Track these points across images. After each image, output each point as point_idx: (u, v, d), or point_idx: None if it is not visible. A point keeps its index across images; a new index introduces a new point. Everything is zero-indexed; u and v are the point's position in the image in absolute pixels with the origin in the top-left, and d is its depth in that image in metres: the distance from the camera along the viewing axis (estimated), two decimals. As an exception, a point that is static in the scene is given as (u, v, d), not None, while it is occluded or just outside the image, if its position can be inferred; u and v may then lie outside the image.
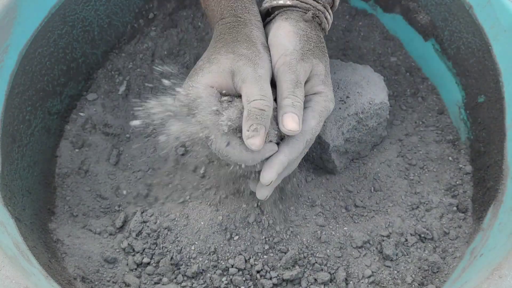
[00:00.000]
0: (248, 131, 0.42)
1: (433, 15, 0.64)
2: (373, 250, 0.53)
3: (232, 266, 0.51)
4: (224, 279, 0.51)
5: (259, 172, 0.47)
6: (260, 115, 0.43)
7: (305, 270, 0.51)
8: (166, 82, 0.47)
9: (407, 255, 0.53)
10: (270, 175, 0.45)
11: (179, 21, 0.70)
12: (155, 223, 0.54)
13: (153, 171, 0.60)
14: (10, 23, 0.53)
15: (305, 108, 0.47)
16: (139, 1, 0.67)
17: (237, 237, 0.52)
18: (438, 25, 0.63)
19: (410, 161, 0.60)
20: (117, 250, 0.54)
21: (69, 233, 0.55)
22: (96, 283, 0.51)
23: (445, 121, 0.64)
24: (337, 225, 0.55)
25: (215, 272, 0.51)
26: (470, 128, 0.60)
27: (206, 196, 0.55)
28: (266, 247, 0.52)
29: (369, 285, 0.51)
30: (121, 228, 0.55)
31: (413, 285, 0.51)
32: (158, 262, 0.52)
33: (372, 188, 0.58)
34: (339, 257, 0.52)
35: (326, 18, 0.53)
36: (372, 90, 0.57)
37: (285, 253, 0.52)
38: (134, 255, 0.53)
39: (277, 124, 0.46)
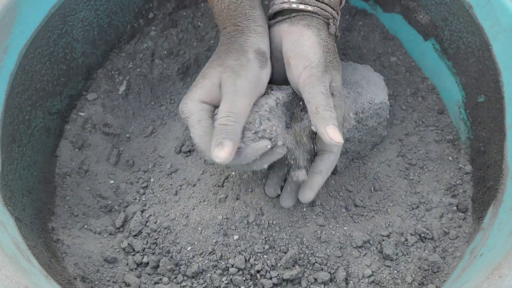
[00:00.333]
0: (213, 146, 0.44)
1: (433, 15, 0.64)
2: (373, 249, 0.53)
3: (232, 266, 0.51)
4: (224, 279, 0.51)
5: (270, 177, 0.52)
6: (224, 130, 0.44)
7: (305, 270, 0.51)
8: None
9: (407, 254, 0.53)
10: (310, 196, 0.50)
11: (179, 21, 0.70)
12: (155, 223, 0.54)
13: (153, 171, 0.60)
14: (10, 23, 0.53)
15: None
16: (139, 1, 0.67)
17: (237, 237, 0.52)
18: (438, 24, 0.63)
19: (410, 161, 0.60)
20: (117, 250, 0.54)
21: (69, 233, 0.55)
22: (96, 283, 0.51)
23: (445, 121, 0.64)
24: (337, 225, 0.55)
25: (215, 272, 0.51)
26: (470, 128, 0.60)
27: (206, 196, 0.55)
28: (266, 247, 0.52)
29: (369, 285, 0.51)
30: (121, 228, 0.55)
31: (413, 285, 0.51)
32: (158, 262, 0.52)
33: (372, 188, 0.58)
34: (339, 256, 0.52)
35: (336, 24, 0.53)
36: (372, 89, 0.57)
37: (285, 253, 0.52)
38: (134, 255, 0.53)
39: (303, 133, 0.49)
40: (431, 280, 0.52)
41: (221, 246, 0.52)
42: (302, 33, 0.50)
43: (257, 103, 0.48)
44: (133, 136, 0.64)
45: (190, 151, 0.59)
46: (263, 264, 0.51)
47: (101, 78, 0.66)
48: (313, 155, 0.52)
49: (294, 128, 0.50)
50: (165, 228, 0.54)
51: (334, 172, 0.58)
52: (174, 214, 0.54)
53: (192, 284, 0.51)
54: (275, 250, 0.52)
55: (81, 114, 0.63)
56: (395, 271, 0.52)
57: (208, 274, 0.51)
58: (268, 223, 0.53)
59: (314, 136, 0.51)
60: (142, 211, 0.56)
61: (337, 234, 0.54)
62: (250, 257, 0.51)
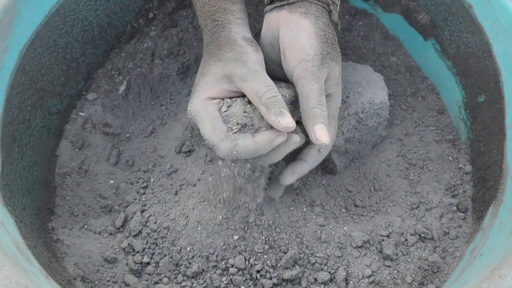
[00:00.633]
0: (274, 117, 0.43)
1: (433, 15, 0.64)
2: (373, 250, 0.53)
3: (232, 266, 0.51)
4: (224, 279, 0.51)
5: (273, 179, 0.52)
6: (277, 101, 0.44)
7: (305, 270, 0.51)
8: None
9: (407, 255, 0.53)
10: (289, 180, 0.50)
11: (179, 21, 0.70)
12: (155, 223, 0.54)
13: (153, 171, 0.60)
14: (10, 23, 0.53)
15: None
16: (139, 1, 0.67)
17: (237, 237, 0.52)
18: (438, 24, 0.63)
19: (410, 161, 0.60)
20: (117, 250, 0.54)
21: (69, 233, 0.55)
22: (96, 283, 0.51)
23: (445, 121, 0.64)
24: (337, 225, 0.55)
25: (215, 272, 0.51)
26: (470, 128, 0.60)
27: (206, 196, 0.55)
28: (266, 247, 0.52)
29: (369, 285, 0.51)
30: (121, 228, 0.55)
31: (413, 285, 0.51)
32: (158, 262, 0.52)
33: (372, 188, 0.58)
34: (339, 256, 0.52)
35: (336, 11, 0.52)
36: (372, 89, 0.57)
37: (285, 253, 0.52)
38: (134, 255, 0.53)
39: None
40: (431, 280, 0.52)
41: (221, 246, 0.52)
42: (300, 22, 0.49)
43: None
44: (133, 136, 0.64)
45: (190, 151, 0.59)
46: (263, 264, 0.51)
47: (101, 78, 0.66)
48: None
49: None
50: (165, 228, 0.54)
51: (334, 172, 0.58)
52: (174, 214, 0.54)
53: (192, 284, 0.51)
54: (275, 250, 0.52)
55: (81, 114, 0.63)
56: (395, 271, 0.52)
57: (208, 274, 0.51)
58: (268, 223, 0.53)
59: None
60: (142, 211, 0.56)
61: (337, 234, 0.54)
62: (250, 257, 0.51)
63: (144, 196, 0.58)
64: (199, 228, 0.53)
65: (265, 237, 0.52)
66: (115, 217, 0.57)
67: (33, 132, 0.56)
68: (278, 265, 0.51)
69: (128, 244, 0.53)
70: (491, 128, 0.56)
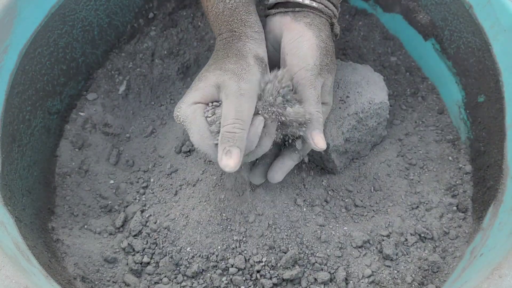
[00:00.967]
0: (221, 154, 0.44)
1: (433, 15, 0.64)
2: (373, 249, 0.53)
3: (232, 266, 0.51)
4: (224, 279, 0.51)
5: (256, 165, 0.53)
6: (232, 138, 0.44)
7: (305, 270, 0.51)
8: None
9: (407, 254, 0.53)
10: (279, 177, 0.52)
11: (179, 21, 0.70)
12: (155, 223, 0.54)
13: (153, 171, 0.60)
14: (10, 23, 0.53)
15: None
16: (139, 1, 0.67)
17: (236, 237, 0.52)
18: (438, 24, 0.63)
19: (410, 160, 0.60)
20: (117, 250, 0.54)
21: (69, 233, 0.55)
22: (96, 282, 0.51)
23: (445, 120, 0.64)
24: (337, 225, 0.55)
25: (215, 272, 0.51)
26: (470, 128, 0.60)
27: (206, 196, 0.55)
28: (266, 247, 0.52)
29: (369, 285, 0.51)
30: (121, 228, 0.55)
31: (413, 285, 0.51)
32: (158, 262, 0.52)
33: (372, 188, 0.58)
34: (339, 256, 0.52)
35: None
36: (372, 89, 0.57)
37: (285, 253, 0.52)
38: (134, 255, 0.53)
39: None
40: (431, 280, 0.52)
41: (221, 246, 0.52)
42: (303, 32, 0.50)
43: None
44: (133, 136, 0.64)
45: (190, 151, 0.59)
46: (263, 264, 0.51)
47: (101, 78, 0.66)
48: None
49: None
50: (165, 228, 0.54)
51: (334, 172, 0.58)
52: (174, 214, 0.54)
53: (192, 284, 0.51)
54: (275, 250, 0.52)
55: (81, 114, 0.63)
56: (395, 271, 0.52)
57: (208, 274, 0.51)
58: (268, 223, 0.53)
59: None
60: (142, 211, 0.56)
61: (337, 234, 0.54)
62: (250, 257, 0.51)
63: (144, 196, 0.58)
64: (199, 228, 0.53)
65: (265, 237, 0.52)
66: (115, 217, 0.57)
67: (33, 132, 0.56)
68: (278, 265, 0.51)
69: (128, 244, 0.53)
70: (491, 128, 0.56)
